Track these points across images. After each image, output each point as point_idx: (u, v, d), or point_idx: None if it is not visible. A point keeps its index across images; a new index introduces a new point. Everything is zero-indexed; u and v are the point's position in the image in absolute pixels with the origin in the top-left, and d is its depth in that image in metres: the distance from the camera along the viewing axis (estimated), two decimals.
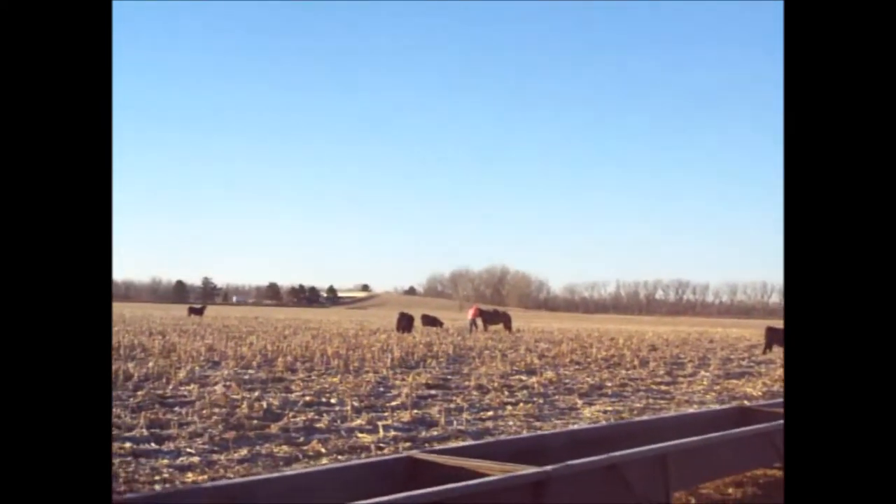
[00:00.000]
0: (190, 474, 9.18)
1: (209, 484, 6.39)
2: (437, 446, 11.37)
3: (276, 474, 6.37)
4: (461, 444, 7.78)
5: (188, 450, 10.47)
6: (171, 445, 10.72)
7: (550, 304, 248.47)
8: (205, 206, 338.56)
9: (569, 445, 8.15)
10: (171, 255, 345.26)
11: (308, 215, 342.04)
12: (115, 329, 39.40)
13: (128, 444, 10.49)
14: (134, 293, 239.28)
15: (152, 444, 10.66)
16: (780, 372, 25.51)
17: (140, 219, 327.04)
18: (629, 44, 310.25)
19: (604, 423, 10.26)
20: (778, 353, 34.11)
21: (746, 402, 17.48)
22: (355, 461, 6.99)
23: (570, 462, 6.51)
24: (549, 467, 6.27)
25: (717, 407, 15.36)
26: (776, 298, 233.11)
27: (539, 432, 8.97)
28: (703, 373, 24.89)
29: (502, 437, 9.37)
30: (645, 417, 11.02)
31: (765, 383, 22.10)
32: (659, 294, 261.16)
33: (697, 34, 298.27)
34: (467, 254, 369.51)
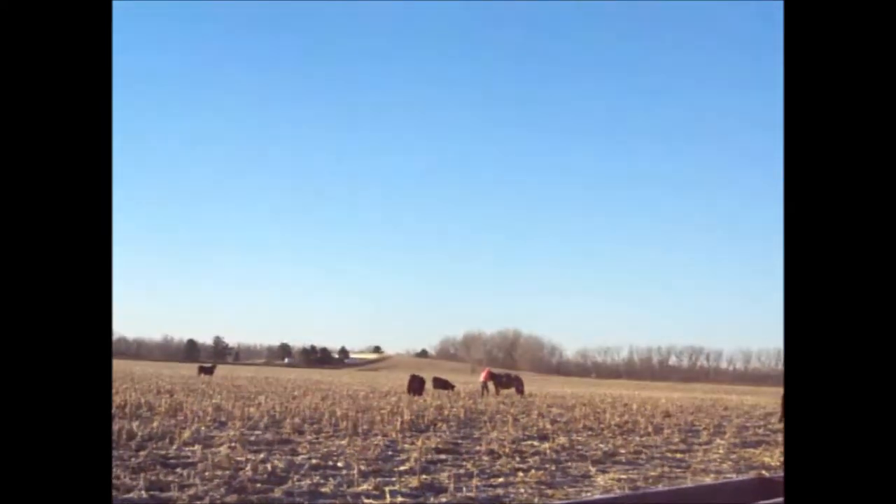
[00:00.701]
0: None
1: None
2: None
3: None
4: None
5: None
6: None
7: (563, 369, 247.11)
8: (218, 265, 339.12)
9: None
10: (183, 314, 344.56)
11: (321, 276, 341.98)
12: (122, 387, 39.08)
13: None
14: (145, 351, 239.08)
15: None
16: None
17: (153, 277, 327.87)
18: (654, 88, 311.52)
19: (618, 493, 9.82)
20: None
21: (765, 472, 17.18)
22: None
23: None
24: None
25: (735, 477, 14.91)
26: None
27: (556, 500, 8.57)
28: (718, 440, 24.37)
29: None
30: (661, 488, 10.61)
31: (783, 452, 21.54)
32: (672, 360, 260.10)
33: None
34: (480, 317, 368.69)
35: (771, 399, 62.60)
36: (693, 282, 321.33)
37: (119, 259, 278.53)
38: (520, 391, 51.67)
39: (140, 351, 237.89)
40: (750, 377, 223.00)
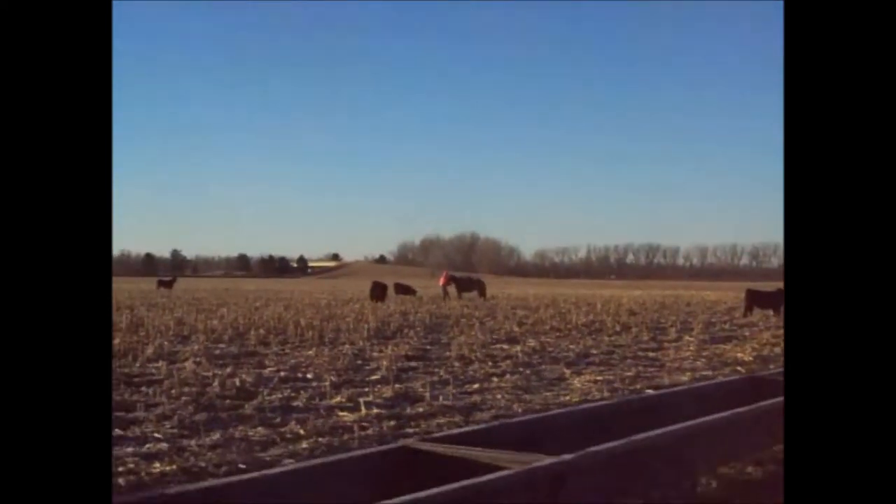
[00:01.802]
0: (157, 463, 8.35)
1: (180, 488, 5.55)
2: (424, 424, 10.67)
3: (257, 474, 5.52)
4: (459, 430, 6.96)
5: (156, 435, 9.62)
6: (136, 430, 9.85)
7: (521, 270, 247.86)
8: (174, 177, 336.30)
9: (576, 426, 7.38)
10: (139, 227, 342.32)
11: (277, 185, 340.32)
12: None
13: None
14: None
15: (116, 430, 9.74)
16: (765, 335, 25.06)
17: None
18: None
19: (611, 400, 9.46)
20: (758, 315, 33.76)
21: (739, 368, 17.04)
22: (343, 455, 6.14)
23: (589, 450, 5.75)
24: (567, 457, 5.51)
25: (712, 374, 14.66)
26: (746, 260, 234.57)
27: (543, 413, 8.20)
28: (687, 337, 24.29)
29: (504, 420, 8.56)
30: (652, 391, 10.26)
31: (753, 347, 21.46)
32: (629, 258, 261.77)
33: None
34: (437, 221, 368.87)
35: (730, 294, 62.87)
36: (648, 179, 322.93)
37: None
38: (482, 294, 51.49)
39: None
40: (706, 273, 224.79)
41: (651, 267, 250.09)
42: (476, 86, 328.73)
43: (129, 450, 8.84)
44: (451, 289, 52.55)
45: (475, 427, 7.06)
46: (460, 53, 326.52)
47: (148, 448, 8.97)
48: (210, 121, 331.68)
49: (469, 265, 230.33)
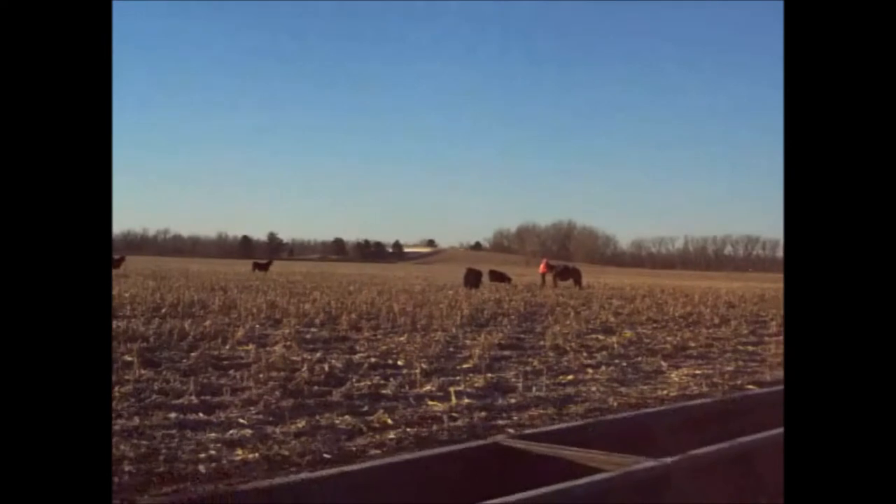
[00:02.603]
0: (240, 451, 8.11)
1: (253, 485, 5.26)
2: (515, 416, 10.29)
3: (337, 470, 5.22)
4: (552, 427, 6.58)
5: (240, 420, 9.38)
6: (221, 415, 9.60)
7: (617, 260, 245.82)
8: (271, 161, 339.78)
9: (677, 425, 6.94)
10: (238, 210, 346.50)
11: (374, 170, 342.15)
12: (176, 285, 38.76)
13: (173, 415, 9.41)
14: (200, 248, 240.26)
15: (201, 415, 9.54)
16: None
17: (207, 174, 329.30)
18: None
19: (713, 396, 8.96)
20: None
21: None
22: (432, 451, 5.81)
23: (691, 452, 5.33)
24: (667, 460, 5.10)
25: None
26: None
27: (642, 410, 7.78)
28: None
29: (600, 416, 8.15)
30: (755, 388, 9.71)
31: None
32: (728, 250, 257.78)
33: None
34: (534, 209, 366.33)
35: None
36: (749, 170, 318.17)
37: (172, 158, 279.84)
38: (578, 283, 50.92)
39: (195, 248, 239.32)
40: None
41: (750, 259, 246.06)
42: (575, 72, 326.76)
43: (213, 435, 8.62)
44: (548, 277, 52.08)
45: (569, 424, 6.69)
46: (559, 43, 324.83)
47: (231, 434, 8.73)
48: (313, 105, 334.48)
49: (565, 253, 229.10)
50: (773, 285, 73.29)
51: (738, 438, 5.82)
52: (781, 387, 9.37)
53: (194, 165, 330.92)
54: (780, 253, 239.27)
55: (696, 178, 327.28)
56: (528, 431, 6.26)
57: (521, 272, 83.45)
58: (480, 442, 5.96)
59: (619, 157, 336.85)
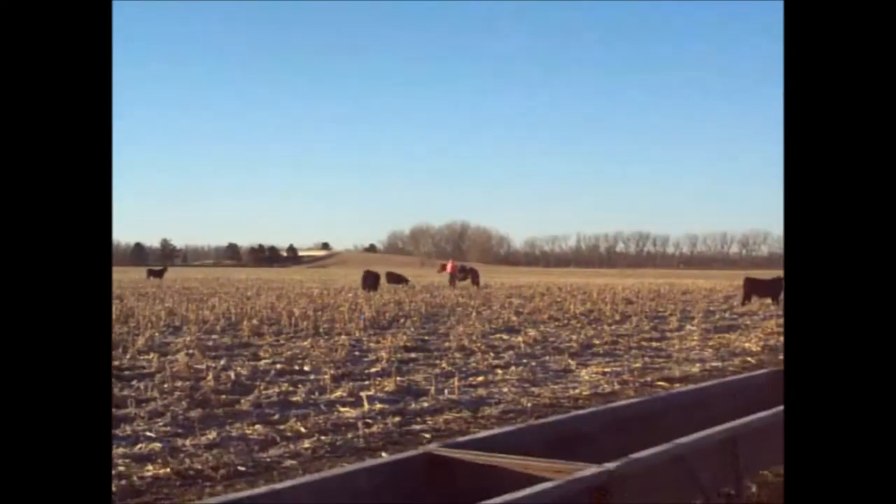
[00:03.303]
0: (150, 466, 7.80)
1: None
2: (430, 420, 10.13)
3: (265, 489, 4.94)
4: (484, 434, 6.38)
5: (148, 433, 9.05)
6: (128, 429, 9.26)
7: (512, 259, 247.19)
8: (162, 165, 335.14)
9: (608, 427, 6.83)
10: (129, 216, 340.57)
11: (265, 173, 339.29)
12: None
13: None
14: None
15: None
16: (768, 324, 24.62)
17: None
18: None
19: (639, 397, 8.83)
20: (757, 304, 33.31)
21: (749, 359, 16.61)
22: (358, 465, 5.54)
23: (632, 456, 5.21)
24: (610, 465, 4.96)
25: (752, 373, 14.16)
26: (736, 248, 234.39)
27: (573, 413, 7.61)
28: (689, 327, 23.88)
29: (530, 422, 7.94)
30: (682, 388, 9.59)
31: (759, 337, 21.03)
32: (620, 247, 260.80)
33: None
34: (427, 210, 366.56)
35: (724, 282, 62.59)
36: (637, 167, 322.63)
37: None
38: (476, 282, 51.09)
39: None
40: (696, 261, 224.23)
41: (641, 255, 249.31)
42: (464, 74, 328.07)
43: (121, 450, 8.28)
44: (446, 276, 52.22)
45: (501, 430, 6.46)
46: (453, 44, 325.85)
47: (140, 448, 8.42)
48: (198, 108, 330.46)
49: (459, 254, 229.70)
50: (665, 280, 74.43)
51: (676, 440, 5.70)
52: (700, 385, 9.38)
53: None
54: (670, 248, 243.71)
55: (587, 174, 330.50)
56: (460, 439, 6.06)
57: (418, 273, 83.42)
58: (411, 453, 5.72)
59: (511, 155, 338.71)
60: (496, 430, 6.62)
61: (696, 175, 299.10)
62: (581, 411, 7.91)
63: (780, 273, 30.37)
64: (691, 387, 9.46)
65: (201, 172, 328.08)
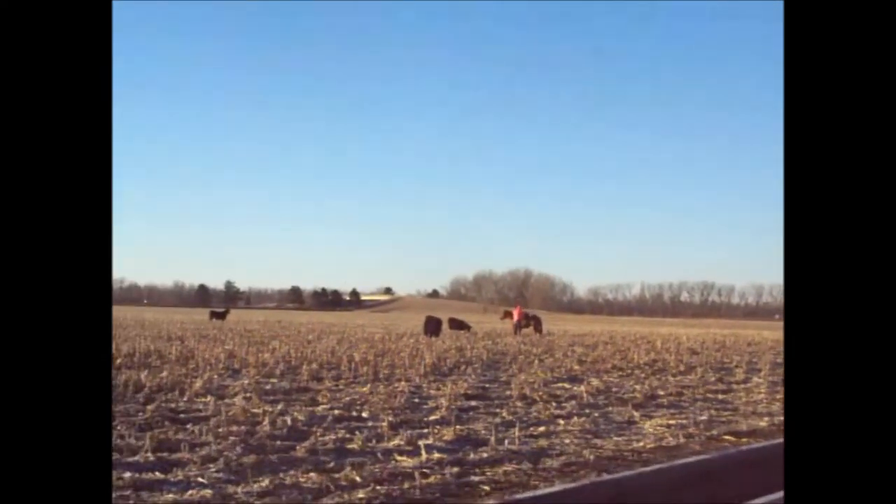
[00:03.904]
0: None
1: None
2: (489, 471, 9.81)
3: None
4: (546, 490, 6.07)
5: (199, 479, 8.84)
6: (179, 474, 9.04)
7: (574, 307, 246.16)
8: (228, 210, 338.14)
9: (672, 484, 6.51)
10: (194, 259, 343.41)
11: (330, 219, 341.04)
12: (132, 334, 38.01)
13: (127, 474, 8.83)
14: (157, 297, 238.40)
15: (157, 473, 8.98)
16: None
17: (164, 223, 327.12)
18: (657, 53, 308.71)
19: (705, 453, 8.43)
20: None
21: None
22: None
23: None
24: None
25: None
26: None
27: (636, 470, 7.27)
28: (755, 379, 23.30)
29: (592, 478, 7.61)
30: (750, 444, 9.21)
31: None
32: (684, 296, 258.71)
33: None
34: (490, 257, 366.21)
35: None
36: (703, 218, 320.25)
37: (130, 205, 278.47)
38: (538, 330, 50.63)
39: (151, 297, 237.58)
40: (762, 311, 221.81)
41: (706, 305, 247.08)
42: (531, 119, 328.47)
43: (170, 497, 8.08)
44: (509, 323, 51.79)
45: (562, 486, 6.18)
46: (522, 81, 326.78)
47: (191, 495, 8.20)
48: (265, 154, 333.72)
49: (522, 301, 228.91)
50: (730, 331, 73.36)
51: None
52: (775, 441, 8.98)
53: (150, 213, 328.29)
54: (735, 299, 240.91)
55: (653, 224, 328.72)
56: (519, 496, 5.76)
57: (480, 319, 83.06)
58: None
59: (576, 204, 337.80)
60: (558, 487, 6.33)
61: (764, 225, 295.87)
62: (645, 468, 7.57)
63: None
64: (761, 443, 9.08)
65: (268, 216, 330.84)
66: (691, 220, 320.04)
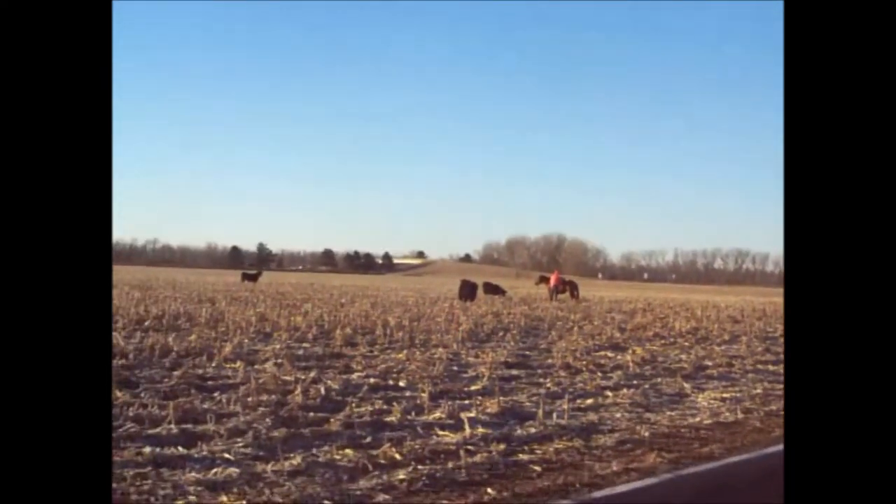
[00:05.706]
0: (224, 497, 6.84)
1: None
2: (539, 449, 9.08)
3: None
4: (623, 487, 5.30)
5: (226, 455, 8.11)
6: (204, 449, 8.30)
7: (608, 273, 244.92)
8: (261, 172, 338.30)
9: (762, 477, 5.76)
10: (226, 220, 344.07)
11: (363, 181, 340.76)
12: (162, 295, 37.49)
13: (148, 449, 8.10)
14: (190, 259, 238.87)
15: (179, 448, 8.24)
16: None
17: (196, 184, 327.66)
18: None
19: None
20: None
21: None
22: None
23: None
24: None
25: None
26: None
27: (721, 461, 6.47)
28: None
29: (677, 472, 6.78)
30: None
31: None
32: (717, 263, 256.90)
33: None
34: (523, 221, 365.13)
35: None
36: (739, 184, 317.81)
37: (162, 167, 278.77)
38: (575, 296, 49.90)
39: (185, 258, 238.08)
40: None
41: (739, 272, 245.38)
42: (567, 85, 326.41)
43: (193, 475, 7.35)
44: (544, 288, 51.11)
45: (642, 483, 5.42)
46: (555, 60, 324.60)
47: (215, 474, 7.46)
48: (299, 117, 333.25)
49: (555, 266, 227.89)
50: (767, 299, 72.30)
51: None
52: None
53: (184, 175, 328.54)
54: (769, 266, 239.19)
55: (687, 190, 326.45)
56: (596, 495, 4.99)
57: (513, 284, 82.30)
58: None
59: (609, 170, 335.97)
60: (639, 483, 5.56)
61: None
62: (731, 458, 6.76)
63: None
64: None
65: (300, 179, 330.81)
66: (725, 186, 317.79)
